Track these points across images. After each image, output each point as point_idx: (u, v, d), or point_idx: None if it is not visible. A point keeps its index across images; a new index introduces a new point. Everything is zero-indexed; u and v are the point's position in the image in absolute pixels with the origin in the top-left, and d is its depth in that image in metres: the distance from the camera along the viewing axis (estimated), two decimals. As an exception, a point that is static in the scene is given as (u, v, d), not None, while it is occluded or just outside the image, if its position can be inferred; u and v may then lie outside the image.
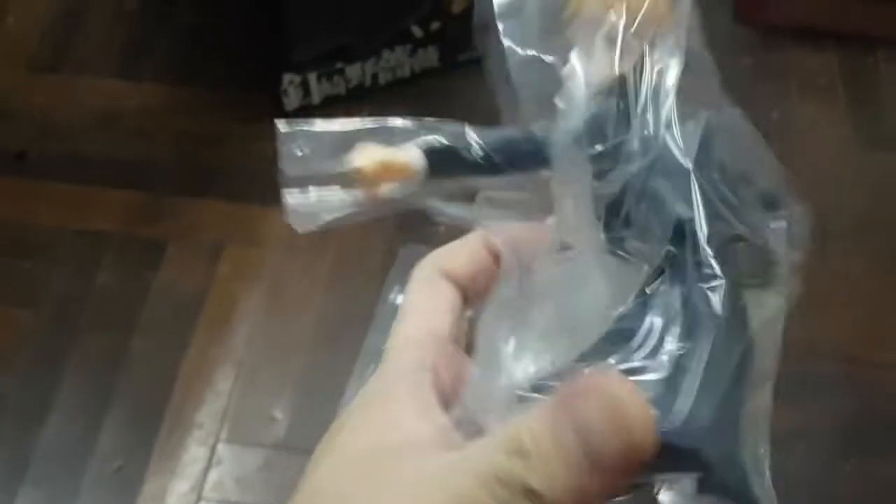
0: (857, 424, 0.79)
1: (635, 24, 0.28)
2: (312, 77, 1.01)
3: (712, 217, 0.24)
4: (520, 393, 0.24)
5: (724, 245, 0.23)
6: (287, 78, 1.00)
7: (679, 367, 0.21)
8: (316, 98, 1.03)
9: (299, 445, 0.78)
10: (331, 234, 0.87)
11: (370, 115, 0.93)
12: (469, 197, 0.28)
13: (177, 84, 1.07)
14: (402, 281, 0.66)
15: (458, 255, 0.27)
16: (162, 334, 0.85)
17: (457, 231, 0.94)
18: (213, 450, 0.79)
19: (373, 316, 0.69)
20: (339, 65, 1.01)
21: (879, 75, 1.08)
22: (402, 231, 0.92)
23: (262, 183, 0.98)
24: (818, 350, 0.84)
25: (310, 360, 0.83)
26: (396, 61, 1.04)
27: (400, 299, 0.63)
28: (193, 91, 1.06)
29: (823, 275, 0.90)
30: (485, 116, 0.97)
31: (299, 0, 0.94)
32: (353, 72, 1.03)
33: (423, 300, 0.27)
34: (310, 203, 0.41)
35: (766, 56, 1.10)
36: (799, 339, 0.82)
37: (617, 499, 0.20)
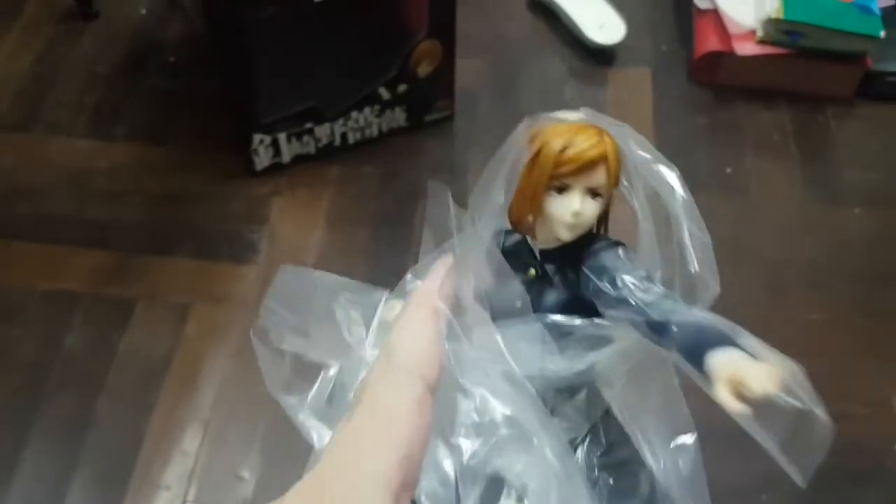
0: (821, 474, 0.80)
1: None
2: (282, 137, 1.03)
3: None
4: None
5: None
6: (257, 138, 1.02)
7: None
8: (286, 157, 1.05)
9: (267, 506, 0.78)
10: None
11: (340, 173, 0.95)
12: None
13: (148, 145, 1.09)
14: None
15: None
16: (128, 395, 0.85)
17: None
18: (180, 512, 0.78)
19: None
20: (308, 125, 1.04)
21: (830, 132, 1.12)
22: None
23: (231, 241, 1.00)
24: (778, 400, 0.86)
25: (277, 418, 0.83)
26: (365, 121, 1.07)
27: (371, 354, 0.63)
28: (164, 151, 1.08)
29: (784, 326, 0.93)
30: (451, 173, 1.01)
31: (269, 64, 0.96)
32: (323, 132, 1.05)
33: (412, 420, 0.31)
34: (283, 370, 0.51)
35: (721, 114, 1.14)
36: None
37: None
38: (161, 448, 0.82)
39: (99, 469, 0.80)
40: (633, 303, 0.49)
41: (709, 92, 1.16)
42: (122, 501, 0.78)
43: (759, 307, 0.94)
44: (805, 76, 1.14)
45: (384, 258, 0.97)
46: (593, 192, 0.50)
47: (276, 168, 1.05)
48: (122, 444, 0.82)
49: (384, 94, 1.05)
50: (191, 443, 0.82)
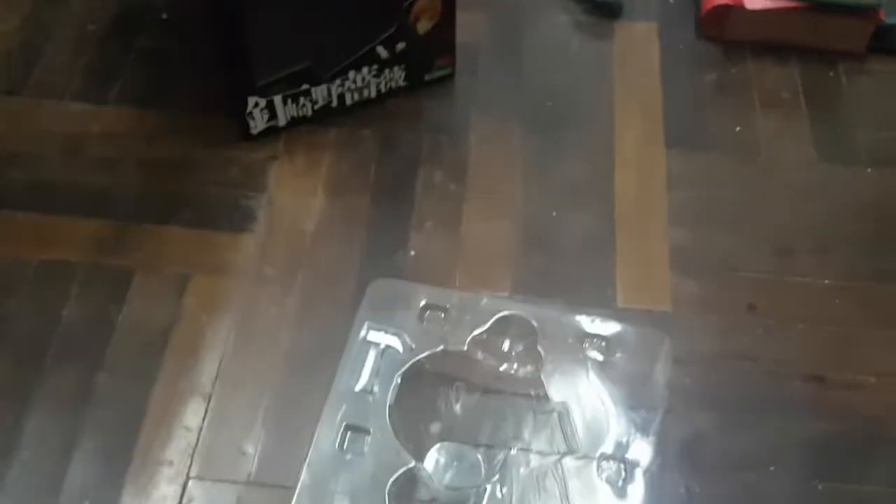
0: (828, 447, 0.80)
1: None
2: (278, 99, 1.00)
3: None
4: None
5: None
6: (252, 101, 0.99)
7: None
8: (282, 120, 1.03)
9: (271, 480, 0.78)
10: (300, 264, 0.87)
11: (338, 137, 0.94)
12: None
13: (141, 108, 1.06)
14: (372, 316, 0.66)
15: None
16: (128, 369, 0.84)
17: (426, 260, 0.95)
18: (183, 487, 0.78)
19: (343, 350, 0.68)
20: (304, 86, 1.01)
21: (841, 88, 1.09)
22: (371, 260, 0.92)
23: (229, 209, 0.98)
24: (786, 370, 0.85)
25: (280, 392, 0.83)
26: (362, 82, 1.04)
27: (371, 335, 0.64)
28: (158, 115, 1.05)
29: (789, 293, 0.91)
30: (452, 134, 0.99)
31: (263, 23, 0.93)
32: (319, 93, 1.02)
33: None
34: None
35: (729, 71, 1.11)
36: (766, 359, 0.83)
37: None
38: (163, 423, 0.81)
39: (100, 445, 0.80)
40: None
41: (717, 47, 1.12)
42: (123, 477, 0.78)
43: (766, 271, 0.92)
44: (816, 30, 1.10)
45: (385, 226, 0.95)
46: None
47: (272, 132, 1.03)
48: (122, 420, 0.81)
49: (382, 52, 1.02)
50: (193, 417, 0.82)
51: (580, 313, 0.81)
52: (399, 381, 0.68)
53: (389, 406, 0.67)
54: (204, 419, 0.82)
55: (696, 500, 0.76)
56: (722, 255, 0.93)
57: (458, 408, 0.71)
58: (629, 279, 0.91)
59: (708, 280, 0.91)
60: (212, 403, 0.83)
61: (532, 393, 0.70)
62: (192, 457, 0.79)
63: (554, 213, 0.97)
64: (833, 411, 0.82)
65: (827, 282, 0.92)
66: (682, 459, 0.77)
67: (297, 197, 0.98)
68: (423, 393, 0.71)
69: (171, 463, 0.79)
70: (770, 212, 0.98)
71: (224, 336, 0.87)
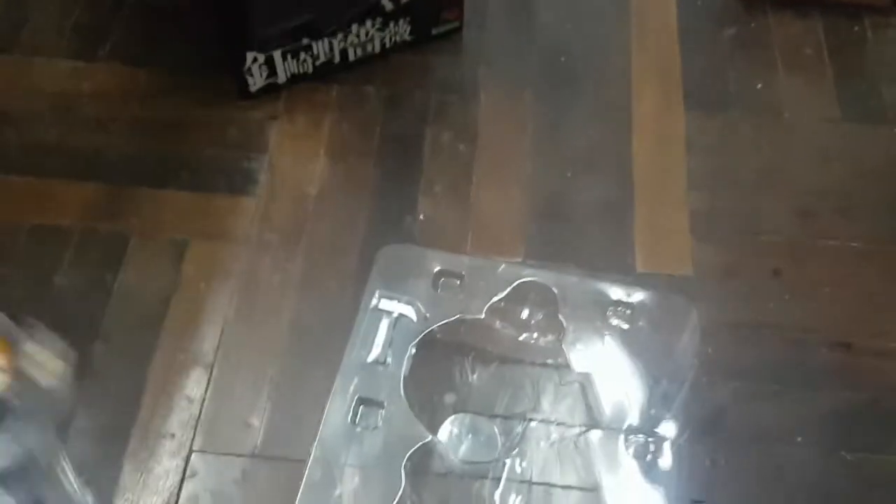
0: (856, 416, 0.77)
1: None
2: (277, 55, 0.96)
3: None
4: None
5: None
6: (251, 56, 0.95)
7: None
8: (282, 77, 0.98)
9: (278, 453, 0.75)
10: (303, 229, 0.83)
11: (340, 95, 0.88)
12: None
13: (134, 66, 1.01)
14: (383, 284, 0.63)
15: None
16: (126, 340, 0.81)
17: (435, 225, 0.90)
18: (186, 461, 0.75)
19: (352, 320, 0.65)
20: (305, 41, 0.96)
21: (866, 44, 1.05)
22: (377, 225, 0.88)
23: (228, 171, 0.93)
24: (812, 338, 0.82)
25: (285, 362, 0.79)
26: (366, 36, 0.99)
27: (383, 304, 0.60)
28: (151, 74, 1.00)
29: (814, 257, 0.88)
30: (460, 92, 0.93)
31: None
32: (321, 48, 0.98)
33: None
34: None
35: (749, 25, 1.06)
36: (791, 327, 0.79)
37: None
38: (163, 395, 0.78)
39: (98, 418, 0.76)
40: None
41: (738, 2, 1.07)
42: (124, 452, 0.75)
43: (788, 234, 0.89)
44: (841, -18, 1.05)
45: (391, 190, 0.91)
46: None
47: (271, 89, 0.98)
48: (121, 392, 0.78)
49: (387, 4, 0.97)
50: (195, 389, 0.78)
51: (602, 280, 0.77)
52: (413, 351, 0.65)
53: (403, 378, 0.64)
54: (206, 390, 0.78)
55: (720, 472, 0.73)
56: (744, 218, 0.90)
57: (474, 378, 0.68)
58: (648, 244, 0.87)
59: (730, 244, 0.88)
60: (214, 374, 0.79)
61: (553, 363, 0.66)
62: (195, 429, 0.76)
63: (569, 175, 0.92)
64: (861, 379, 0.79)
65: (854, 244, 0.88)
66: (706, 431, 0.74)
67: (298, 159, 0.94)
68: (438, 364, 0.68)
69: (172, 436, 0.76)
70: (793, 173, 0.94)
71: (225, 304, 0.83)
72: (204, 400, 0.78)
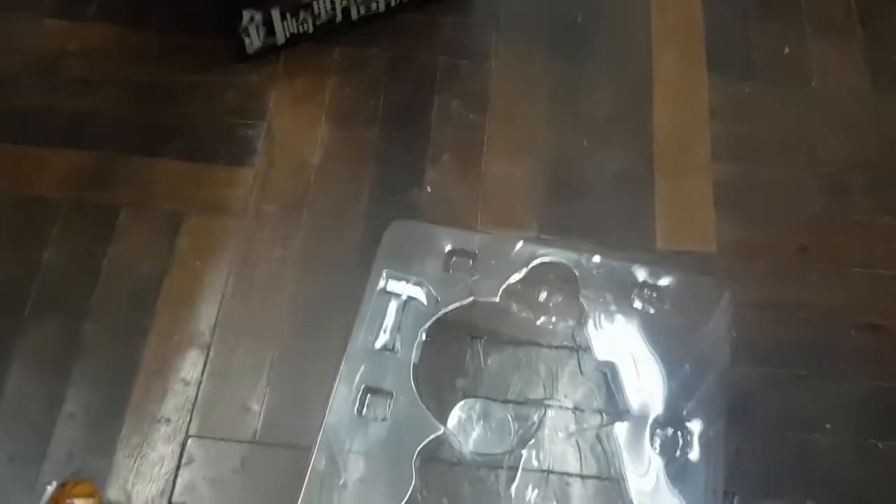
0: (887, 402, 0.73)
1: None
2: (276, 13, 0.90)
3: None
4: None
5: None
6: (247, 15, 0.89)
7: None
8: (280, 37, 0.92)
9: (279, 440, 0.71)
10: (304, 201, 0.78)
11: (342, 57, 0.81)
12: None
13: (124, 26, 0.95)
14: (391, 263, 0.58)
15: None
16: (118, 319, 0.76)
17: (444, 198, 0.83)
18: (182, 447, 0.71)
19: (357, 298, 0.60)
20: (304, -2, 0.90)
21: (898, 8, 0.99)
22: (382, 197, 0.83)
23: (224, 139, 0.88)
24: (840, 319, 0.78)
25: (286, 344, 0.75)
26: (370, -7, 0.93)
27: (391, 286, 0.56)
28: (142, 34, 0.94)
29: (842, 234, 0.83)
30: (470, 56, 0.86)
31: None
32: (322, 6, 0.92)
33: None
34: None
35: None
36: (818, 307, 0.74)
37: None
38: (158, 377, 0.74)
39: (89, 402, 0.72)
40: None
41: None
42: (116, 437, 0.71)
43: (815, 209, 0.84)
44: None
45: (397, 160, 0.86)
46: None
47: (269, 51, 0.92)
48: (113, 374, 0.74)
49: (392, -40, 0.91)
50: (191, 371, 0.74)
51: (625, 260, 0.73)
52: (424, 337, 0.60)
53: (413, 365, 0.59)
54: (203, 372, 0.74)
55: (745, 461, 0.69)
56: (770, 192, 0.85)
57: (488, 364, 0.63)
58: (669, 219, 0.82)
59: (755, 220, 0.83)
60: (211, 355, 0.75)
61: (573, 349, 0.62)
62: (192, 413, 0.72)
63: (585, 144, 0.87)
64: (891, 364, 0.75)
65: (885, 219, 0.84)
66: (731, 419, 0.70)
67: (299, 126, 0.88)
68: (450, 351, 0.63)
69: (167, 420, 0.72)
70: (821, 145, 0.89)
71: (222, 281, 0.79)
72: (200, 383, 0.74)
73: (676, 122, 0.89)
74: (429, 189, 0.84)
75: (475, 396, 0.68)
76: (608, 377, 0.61)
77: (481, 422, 0.67)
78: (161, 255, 0.80)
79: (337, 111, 0.89)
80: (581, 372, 0.62)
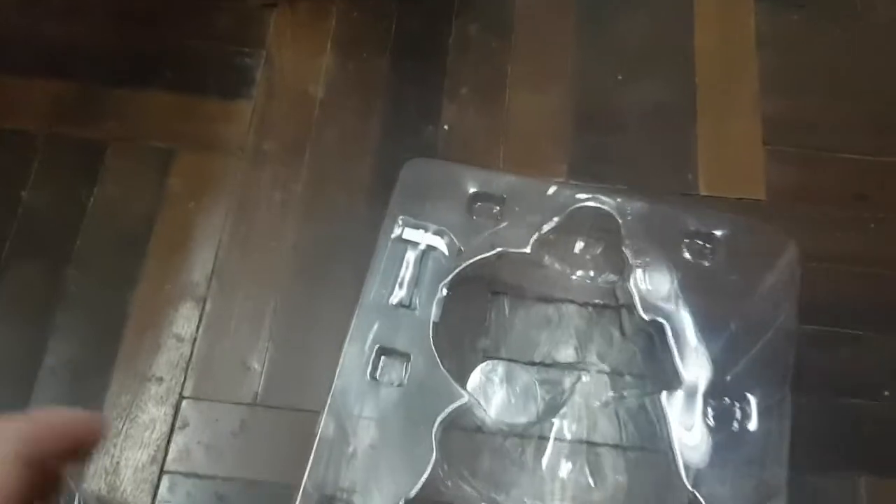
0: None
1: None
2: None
3: None
4: None
5: None
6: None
7: None
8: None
9: (282, 402, 0.64)
10: (307, 138, 0.70)
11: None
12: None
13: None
14: (408, 208, 0.50)
15: None
16: (104, 266, 0.69)
17: (463, 137, 0.73)
18: (175, 409, 0.65)
19: (366, 246, 0.52)
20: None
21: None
22: (394, 135, 0.75)
23: (219, 69, 0.79)
24: (902, 273, 0.70)
25: (289, 296, 0.68)
26: None
27: (408, 234, 0.48)
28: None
29: (892, 174, 0.75)
30: None
31: None
32: (327, -77, 0.82)
33: None
34: None
35: None
36: (876, 261, 0.66)
37: None
38: (149, 331, 0.67)
39: (73, 356, 0.66)
40: None
41: None
42: (103, 394, 0.65)
43: (862, 150, 0.76)
44: None
45: (410, 93, 0.78)
46: None
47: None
48: (100, 327, 0.67)
49: None
50: (185, 326, 0.67)
51: (674, 205, 0.65)
52: (445, 292, 0.53)
53: (433, 324, 0.52)
54: (198, 328, 0.67)
55: (797, 430, 0.62)
56: (824, 132, 0.77)
57: (516, 322, 0.56)
58: (713, 161, 0.74)
59: (808, 163, 0.75)
60: (207, 309, 0.68)
61: (615, 308, 0.55)
62: (186, 372, 0.66)
63: (619, 77, 0.79)
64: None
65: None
66: (779, 383, 0.63)
67: (301, 55, 0.80)
68: (473, 307, 0.56)
69: (160, 379, 0.66)
70: (881, 81, 0.80)
71: (218, 226, 0.71)
72: (195, 339, 0.67)
73: (721, 50, 0.80)
74: (446, 127, 0.75)
75: (498, 358, 0.61)
76: (654, 339, 0.54)
77: (504, 386, 0.60)
78: (151, 195, 0.73)
79: (344, 38, 0.81)
80: (623, 333, 0.55)
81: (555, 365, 0.61)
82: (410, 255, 0.54)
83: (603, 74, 0.79)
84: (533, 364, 0.61)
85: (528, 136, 0.76)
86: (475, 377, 0.62)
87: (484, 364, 0.62)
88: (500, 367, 0.62)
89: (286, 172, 0.74)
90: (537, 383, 0.60)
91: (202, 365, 0.66)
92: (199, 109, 0.76)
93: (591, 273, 0.57)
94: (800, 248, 0.70)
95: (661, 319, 0.53)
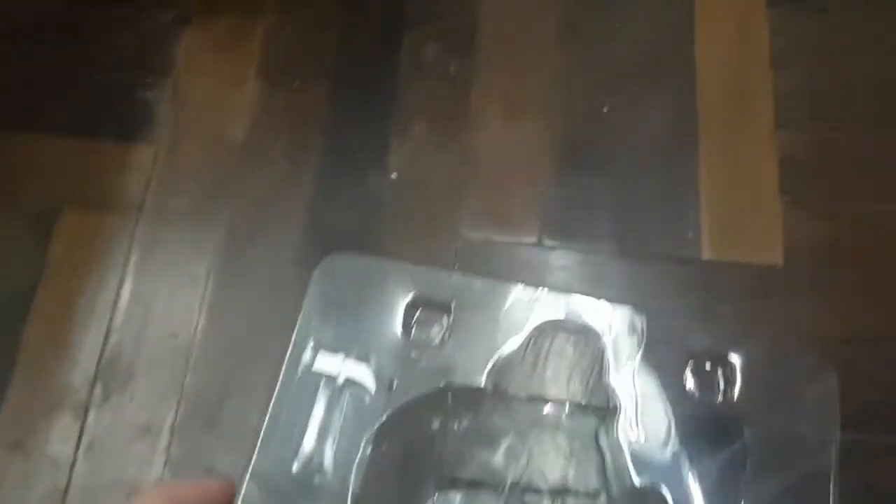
0: None
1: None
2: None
3: None
4: None
5: None
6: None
7: None
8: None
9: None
10: (222, 192, 0.55)
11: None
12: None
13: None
14: (321, 324, 0.36)
15: None
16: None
17: (414, 185, 0.56)
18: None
19: (275, 373, 0.38)
20: None
21: None
22: (328, 189, 0.61)
23: (116, 103, 0.64)
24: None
25: (191, 404, 0.54)
26: None
27: (320, 362, 0.34)
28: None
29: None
30: None
31: None
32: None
33: None
34: None
35: None
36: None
37: None
38: (16, 454, 0.53)
39: None
40: None
41: None
42: None
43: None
44: None
45: (353, 130, 0.63)
46: None
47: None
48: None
49: None
50: (61, 445, 0.54)
51: (675, 311, 0.51)
52: (369, 451, 0.39)
53: (351, 498, 0.39)
54: (77, 448, 0.54)
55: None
56: (859, 175, 0.63)
57: (472, 441, 0.43)
58: (719, 214, 0.60)
59: (839, 218, 0.61)
60: (89, 421, 0.54)
61: (599, 461, 0.41)
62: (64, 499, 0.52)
63: (605, 110, 0.64)
64: None
65: None
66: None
67: (218, 85, 0.65)
68: (410, 475, 0.43)
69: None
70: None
71: (107, 309, 0.57)
72: (73, 462, 0.53)
73: (728, 68, 0.66)
74: (394, 176, 0.61)
75: (455, 486, 0.48)
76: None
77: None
78: (27, 268, 0.58)
79: (271, 62, 0.66)
80: (610, 499, 0.42)
81: (528, 489, 0.47)
82: (323, 395, 0.40)
83: (587, 103, 0.65)
84: (497, 490, 0.48)
85: (493, 185, 0.61)
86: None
87: (436, 496, 0.49)
88: (457, 498, 0.48)
89: (196, 236, 0.60)
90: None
91: (81, 498, 0.52)
92: (90, 155, 0.62)
93: (567, 409, 0.44)
94: (831, 331, 0.57)
95: (659, 483, 0.40)
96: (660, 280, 0.57)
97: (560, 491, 0.44)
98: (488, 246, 0.59)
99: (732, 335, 0.44)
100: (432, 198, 0.61)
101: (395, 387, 0.41)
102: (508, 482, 0.47)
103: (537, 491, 0.45)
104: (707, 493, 0.40)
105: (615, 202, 0.61)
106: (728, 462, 0.41)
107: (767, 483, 0.42)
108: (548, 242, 0.59)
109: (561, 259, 0.59)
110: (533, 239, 0.59)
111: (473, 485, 0.47)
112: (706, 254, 0.59)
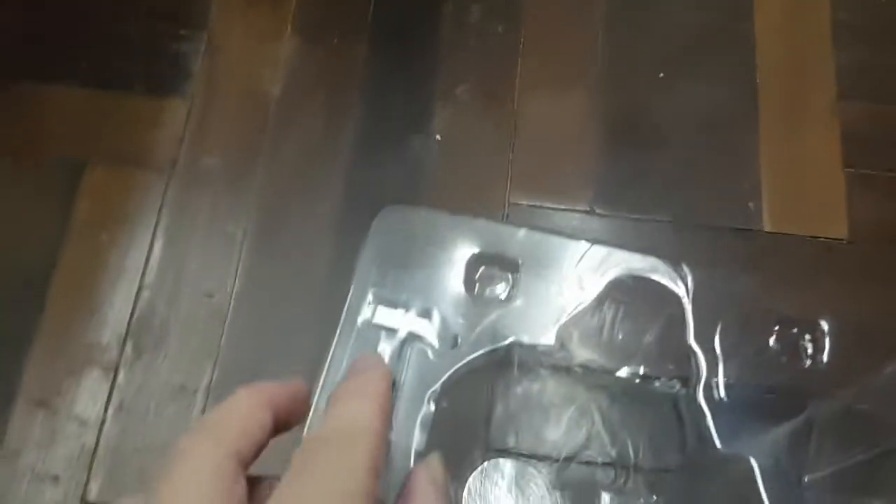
0: None
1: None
2: None
3: None
4: None
5: None
6: None
7: None
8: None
9: None
10: (259, 149, 0.52)
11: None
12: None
13: None
14: (380, 279, 0.33)
15: (237, 429, 0.24)
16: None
17: (455, 152, 0.53)
18: (73, 519, 0.48)
19: (332, 325, 0.36)
20: None
21: None
22: (367, 150, 0.58)
23: (147, 58, 0.61)
24: None
25: (226, 366, 0.52)
26: None
27: (380, 316, 0.31)
28: None
29: None
30: None
31: None
32: None
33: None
34: None
35: None
36: None
37: None
38: (41, 411, 0.51)
39: None
40: None
41: None
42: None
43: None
44: None
45: (392, 92, 0.61)
46: None
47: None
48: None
49: None
50: (89, 405, 0.51)
51: (753, 273, 0.48)
52: (432, 408, 0.36)
53: (415, 455, 0.36)
54: (106, 408, 0.51)
55: None
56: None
57: (531, 404, 0.40)
58: (781, 187, 0.58)
59: (904, 191, 0.58)
60: (119, 381, 0.52)
61: (679, 427, 0.39)
62: (90, 469, 0.50)
63: (661, 75, 0.62)
64: None
65: None
66: None
67: (253, 40, 0.62)
68: (472, 407, 0.40)
69: (55, 479, 0.49)
70: None
71: (138, 268, 0.55)
72: (103, 423, 0.51)
73: (788, 42, 0.63)
74: (438, 137, 0.59)
75: (505, 452, 0.46)
76: (739, 480, 0.38)
77: (512, 491, 0.45)
78: (52, 225, 0.56)
79: (308, 19, 0.63)
80: (690, 467, 0.39)
81: (581, 461, 0.45)
82: (385, 348, 0.37)
83: (639, 72, 0.62)
84: (551, 460, 0.45)
85: (542, 151, 0.59)
86: (474, 482, 0.46)
87: (486, 463, 0.46)
88: (508, 466, 0.46)
89: (230, 197, 0.57)
90: (556, 487, 0.44)
91: (111, 459, 0.50)
92: (119, 110, 0.59)
93: (642, 370, 0.41)
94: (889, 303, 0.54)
95: (747, 454, 0.37)
96: (720, 251, 0.54)
97: (625, 465, 0.42)
98: (538, 212, 0.56)
99: (815, 304, 0.41)
100: (478, 162, 0.58)
101: (459, 343, 0.38)
102: (563, 455, 0.44)
103: (598, 464, 0.43)
104: (794, 462, 0.38)
105: (670, 172, 0.58)
106: (808, 431, 0.39)
107: (843, 456, 0.40)
108: (600, 211, 0.57)
109: (615, 228, 0.56)
110: (585, 207, 0.57)
111: (526, 455, 0.45)
112: (768, 226, 0.56)
